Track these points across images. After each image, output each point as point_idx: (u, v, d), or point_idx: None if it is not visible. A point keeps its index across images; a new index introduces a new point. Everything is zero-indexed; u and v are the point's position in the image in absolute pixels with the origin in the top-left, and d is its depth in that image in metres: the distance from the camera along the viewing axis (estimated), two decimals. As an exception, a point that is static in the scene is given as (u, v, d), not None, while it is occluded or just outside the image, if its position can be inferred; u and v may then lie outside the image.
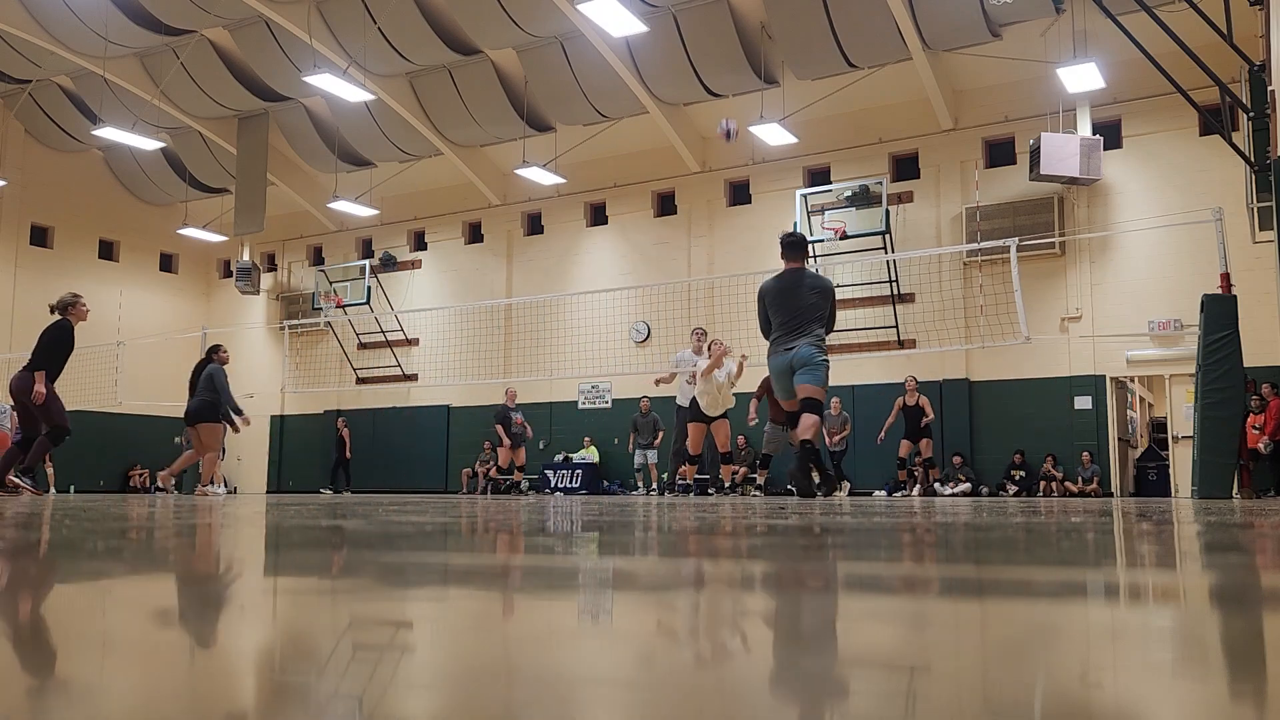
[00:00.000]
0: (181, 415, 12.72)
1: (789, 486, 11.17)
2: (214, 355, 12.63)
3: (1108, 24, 12.67)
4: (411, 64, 20.12)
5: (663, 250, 20.88)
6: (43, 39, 20.49)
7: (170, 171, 25.56)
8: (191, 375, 12.73)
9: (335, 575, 1.73)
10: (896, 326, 18.07)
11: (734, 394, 11.60)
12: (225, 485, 25.46)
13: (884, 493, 17.11)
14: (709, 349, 11.53)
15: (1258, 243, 13.96)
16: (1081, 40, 15.96)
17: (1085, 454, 16.49)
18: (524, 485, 17.14)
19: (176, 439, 24.07)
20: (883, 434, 15.82)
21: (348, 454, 21.32)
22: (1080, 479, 16.33)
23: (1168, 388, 17.04)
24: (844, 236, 17.95)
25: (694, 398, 11.41)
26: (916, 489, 15.65)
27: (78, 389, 20.20)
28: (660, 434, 18.05)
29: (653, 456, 18.02)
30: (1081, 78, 15.12)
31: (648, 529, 3.37)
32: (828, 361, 7.69)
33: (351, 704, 0.68)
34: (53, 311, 10.15)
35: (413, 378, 22.86)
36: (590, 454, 20.39)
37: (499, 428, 16.52)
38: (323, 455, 23.22)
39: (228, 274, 26.92)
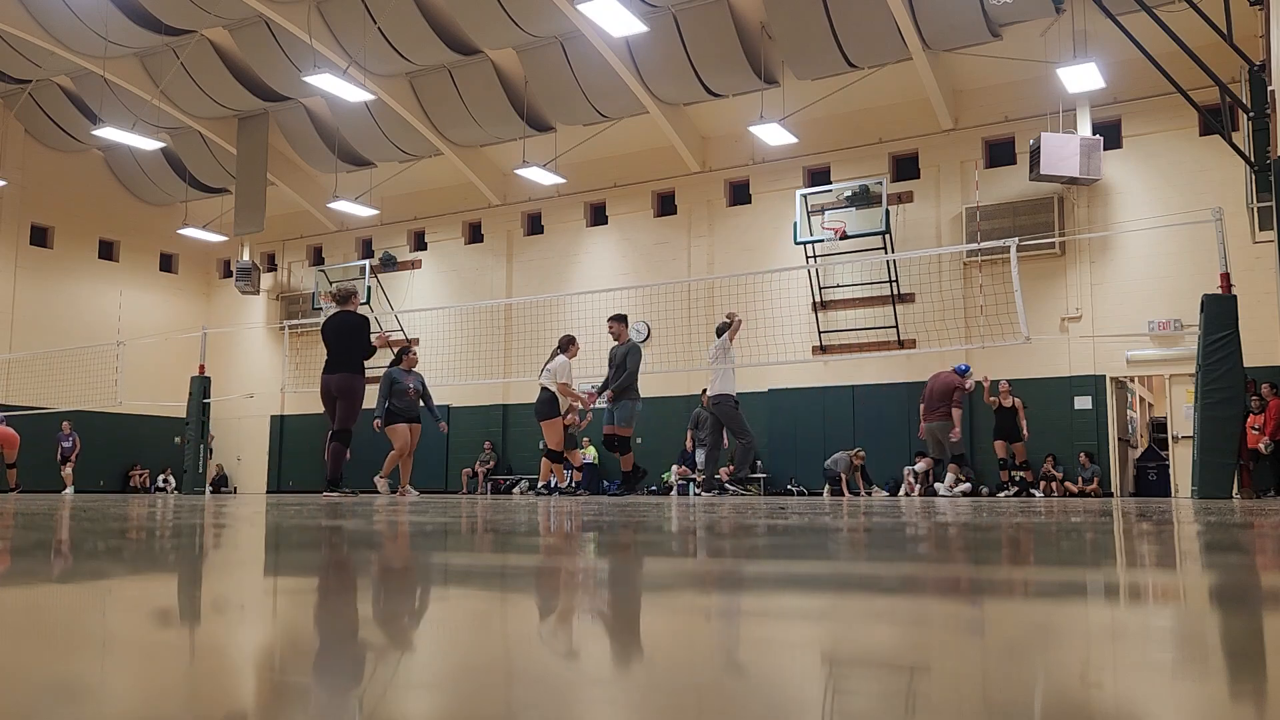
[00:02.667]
0: (181, 416, 12.52)
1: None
2: (402, 359, 11.75)
3: (1108, 24, 12.67)
4: (411, 64, 20.11)
5: (663, 250, 20.87)
6: (43, 39, 20.48)
7: (170, 171, 25.56)
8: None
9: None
10: (896, 326, 18.06)
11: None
12: (225, 485, 25.48)
13: (885, 492, 17.14)
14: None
15: (1258, 243, 13.95)
16: (1081, 40, 15.95)
17: (1085, 454, 16.48)
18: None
19: (176, 439, 24.06)
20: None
21: None
22: (1080, 479, 16.33)
23: (1168, 388, 17.03)
24: (844, 236, 17.96)
25: (544, 387, 12.61)
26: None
27: (78, 389, 20.32)
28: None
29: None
30: (1081, 78, 15.11)
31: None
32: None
33: (351, 704, 0.68)
34: (334, 302, 10.04)
35: (413, 378, 22.82)
36: (590, 454, 20.37)
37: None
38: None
39: (228, 274, 26.92)
